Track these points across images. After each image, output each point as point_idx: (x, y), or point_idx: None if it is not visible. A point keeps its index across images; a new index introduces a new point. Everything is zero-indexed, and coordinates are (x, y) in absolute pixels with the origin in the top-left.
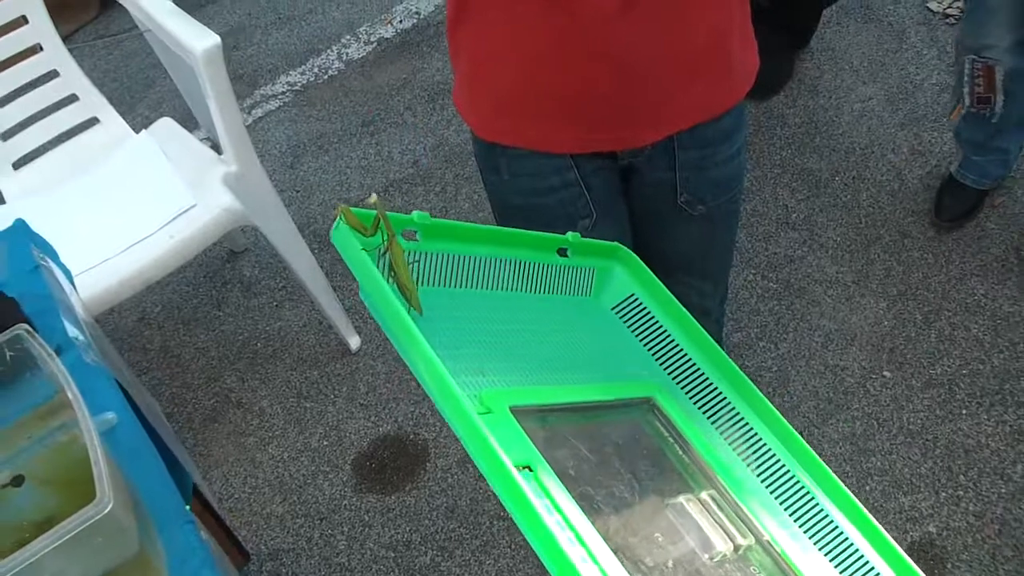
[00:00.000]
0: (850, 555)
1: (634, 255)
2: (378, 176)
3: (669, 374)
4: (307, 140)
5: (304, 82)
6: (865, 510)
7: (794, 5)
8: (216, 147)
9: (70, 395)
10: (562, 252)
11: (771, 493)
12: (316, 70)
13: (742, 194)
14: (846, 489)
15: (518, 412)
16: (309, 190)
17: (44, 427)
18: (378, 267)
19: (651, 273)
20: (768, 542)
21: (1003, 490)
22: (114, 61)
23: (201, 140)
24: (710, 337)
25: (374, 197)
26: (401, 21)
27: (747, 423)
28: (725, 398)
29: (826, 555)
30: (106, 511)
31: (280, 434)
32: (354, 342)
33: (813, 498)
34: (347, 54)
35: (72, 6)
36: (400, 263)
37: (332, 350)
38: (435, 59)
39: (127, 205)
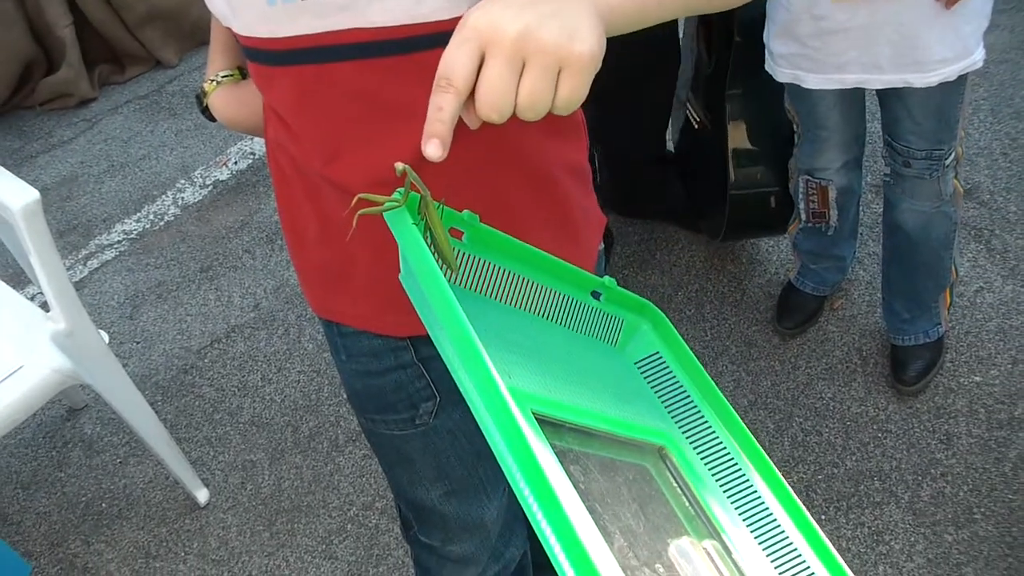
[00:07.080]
0: None
1: (663, 315)
2: (219, 322)
3: (683, 432)
4: (145, 289)
5: (140, 229)
6: None
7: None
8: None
9: None
10: (596, 295)
11: (769, 558)
12: (152, 217)
13: None
14: (846, 569)
15: (538, 419)
16: (149, 341)
17: None
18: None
19: (677, 334)
20: None
21: None
22: None
23: (34, 296)
24: (731, 408)
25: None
26: (236, 162)
27: (756, 491)
28: (736, 464)
29: None
30: None
31: None
32: (202, 495)
33: (810, 570)
34: (183, 199)
35: None
36: (437, 224)
37: (180, 505)
38: (271, 199)
39: None
